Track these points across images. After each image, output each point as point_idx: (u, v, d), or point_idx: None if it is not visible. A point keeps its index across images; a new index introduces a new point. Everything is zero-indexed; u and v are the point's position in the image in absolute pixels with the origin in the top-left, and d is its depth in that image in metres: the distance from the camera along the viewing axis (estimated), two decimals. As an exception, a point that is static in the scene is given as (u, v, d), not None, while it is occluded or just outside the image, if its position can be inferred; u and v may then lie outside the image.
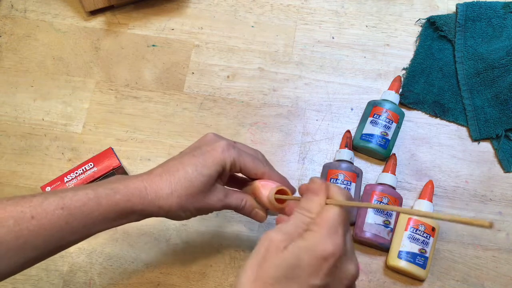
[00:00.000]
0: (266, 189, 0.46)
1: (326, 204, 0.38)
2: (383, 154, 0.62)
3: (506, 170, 0.64)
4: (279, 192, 0.45)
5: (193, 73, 0.69)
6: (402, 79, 0.68)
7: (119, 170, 0.58)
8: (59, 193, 0.40)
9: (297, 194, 0.46)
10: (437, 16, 0.71)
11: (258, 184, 0.47)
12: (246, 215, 0.48)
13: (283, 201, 0.45)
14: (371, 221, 0.58)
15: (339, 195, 0.38)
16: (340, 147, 0.64)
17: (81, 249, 0.60)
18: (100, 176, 0.56)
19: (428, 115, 0.67)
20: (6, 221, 0.37)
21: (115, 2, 0.70)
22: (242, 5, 0.73)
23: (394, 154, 0.63)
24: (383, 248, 0.59)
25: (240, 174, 0.48)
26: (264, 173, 0.47)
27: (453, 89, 0.68)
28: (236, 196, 0.47)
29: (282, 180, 0.48)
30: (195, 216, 0.45)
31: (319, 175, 0.63)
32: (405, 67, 0.69)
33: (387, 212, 0.59)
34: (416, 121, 0.67)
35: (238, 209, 0.47)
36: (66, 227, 0.39)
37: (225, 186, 0.47)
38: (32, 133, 0.65)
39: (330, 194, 0.38)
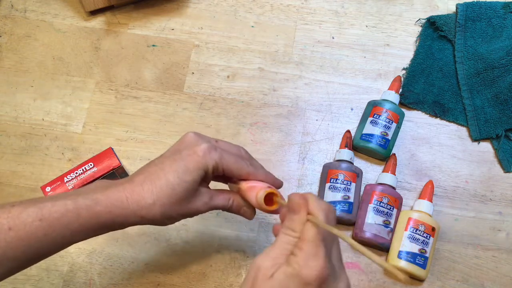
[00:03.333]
0: (253, 191, 0.44)
1: (307, 220, 0.36)
2: (383, 154, 0.62)
3: (506, 170, 0.64)
4: (267, 196, 0.43)
5: (193, 73, 0.69)
6: (402, 79, 0.68)
7: (119, 170, 0.58)
8: (38, 203, 0.39)
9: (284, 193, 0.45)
10: (437, 16, 0.71)
11: (245, 186, 0.45)
12: (234, 213, 0.47)
13: (273, 203, 0.44)
14: (371, 221, 0.58)
15: (317, 209, 0.35)
16: (340, 147, 0.64)
17: (81, 249, 0.60)
18: (100, 176, 0.56)
19: (428, 115, 0.67)
20: None
21: (115, 2, 0.70)
22: (242, 5, 0.73)
23: (394, 154, 0.63)
24: (383, 248, 0.59)
25: None
26: (248, 173, 0.45)
27: (453, 89, 0.68)
28: (223, 197, 0.46)
29: (268, 177, 0.46)
30: (179, 220, 0.44)
31: (319, 175, 0.63)
32: (405, 67, 0.69)
33: (387, 212, 0.59)
34: (416, 121, 0.67)
35: (226, 209, 0.46)
36: (45, 239, 0.38)
37: (210, 188, 0.46)
38: (32, 133, 0.65)
39: (310, 209, 0.36)
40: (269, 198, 0.44)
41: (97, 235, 0.41)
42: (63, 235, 0.39)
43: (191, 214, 0.44)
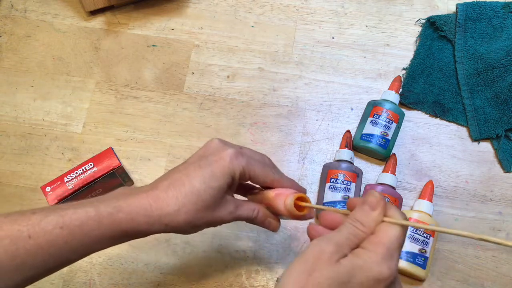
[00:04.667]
0: (280, 198, 0.43)
1: (383, 221, 0.35)
2: (383, 154, 0.62)
3: (506, 170, 0.64)
4: (298, 199, 0.43)
5: (193, 73, 0.69)
6: (402, 79, 0.68)
7: (119, 170, 0.58)
8: (59, 211, 0.38)
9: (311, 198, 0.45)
10: (437, 16, 0.71)
11: (271, 194, 0.44)
12: (258, 225, 0.46)
13: (303, 209, 0.43)
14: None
15: (399, 215, 0.35)
16: (340, 147, 0.64)
17: (81, 249, 0.60)
18: (100, 176, 0.56)
19: (428, 115, 0.67)
20: (2, 241, 0.35)
21: (115, 2, 0.70)
22: (242, 5, 0.73)
23: (394, 154, 0.63)
24: (383, 248, 0.59)
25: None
26: (274, 180, 0.44)
27: (453, 89, 0.68)
28: (247, 207, 0.44)
29: (293, 184, 0.46)
30: (203, 229, 0.42)
31: (319, 175, 0.63)
32: (405, 67, 0.69)
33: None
34: (416, 121, 0.67)
35: (250, 220, 0.45)
36: (65, 246, 0.37)
37: (234, 197, 0.45)
38: (32, 133, 0.65)
39: (389, 212, 0.36)
40: (298, 204, 0.43)
41: (119, 243, 0.40)
42: (84, 243, 0.38)
43: (215, 223, 0.42)
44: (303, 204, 0.43)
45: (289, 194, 0.43)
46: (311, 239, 0.38)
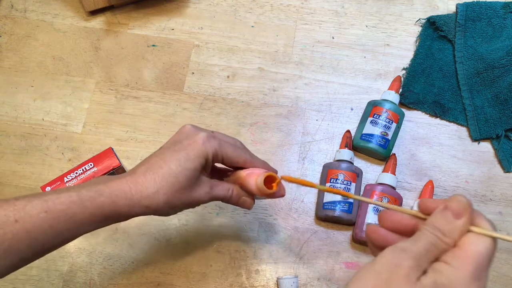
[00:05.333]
0: (251, 177, 0.46)
1: (470, 231, 0.30)
2: (383, 154, 0.62)
3: (506, 170, 0.64)
4: (267, 179, 0.45)
5: (193, 73, 0.69)
6: (402, 79, 0.68)
7: (119, 170, 0.58)
8: (43, 196, 0.39)
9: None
10: (437, 16, 0.71)
11: (243, 173, 0.47)
12: (233, 204, 0.48)
13: (272, 186, 0.46)
14: (371, 221, 0.58)
15: (488, 225, 0.30)
16: (340, 147, 0.64)
17: (81, 249, 0.60)
18: (100, 176, 0.56)
19: (428, 115, 0.67)
20: None
21: (115, 2, 0.70)
22: (242, 5, 0.73)
23: (394, 154, 0.63)
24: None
25: (219, 165, 0.48)
26: (246, 161, 0.47)
27: (453, 89, 0.68)
28: (222, 187, 0.46)
29: (264, 165, 0.48)
30: (182, 210, 0.45)
31: (319, 175, 0.63)
32: (405, 67, 0.69)
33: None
34: (416, 121, 0.67)
35: (226, 199, 0.47)
36: (50, 231, 0.38)
37: (210, 178, 0.47)
38: (32, 133, 0.65)
39: (477, 221, 0.30)
40: (269, 182, 0.46)
41: (103, 226, 0.42)
42: (69, 227, 0.39)
43: (193, 203, 0.45)
44: (277, 180, 0.46)
45: (260, 173, 0.45)
46: (372, 243, 0.35)
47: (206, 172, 0.46)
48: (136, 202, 0.41)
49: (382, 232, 0.34)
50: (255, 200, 0.50)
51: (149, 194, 0.41)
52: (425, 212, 0.33)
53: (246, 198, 0.48)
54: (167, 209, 0.43)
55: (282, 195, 0.48)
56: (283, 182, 0.46)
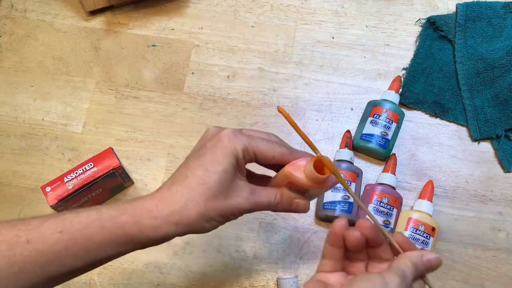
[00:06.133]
0: (299, 169, 0.39)
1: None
2: (383, 154, 0.62)
3: (506, 170, 0.64)
4: (316, 163, 0.38)
5: (193, 73, 0.69)
6: (402, 79, 0.68)
7: (119, 170, 0.58)
8: (60, 215, 0.35)
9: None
10: (437, 16, 0.71)
11: (287, 169, 0.39)
12: (285, 211, 0.42)
13: (324, 172, 0.38)
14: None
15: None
16: (340, 147, 0.64)
17: (81, 249, 0.60)
18: (100, 176, 0.56)
19: (428, 115, 0.67)
20: None
21: (115, 2, 0.70)
22: (242, 5, 0.73)
23: (394, 154, 0.63)
24: (383, 248, 0.59)
25: (258, 171, 0.43)
26: (283, 153, 0.40)
27: (453, 89, 0.68)
28: (267, 192, 0.40)
29: (307, 154, 0.41)
30: (223, 223, 0.39)
31: (319, 175, 0.63)
32: (405, 67, 0.69)
33: (387, 212, 0.59)
34: (416, 121, 0.67)
35: (273, 206, 0.40)
36: (66, 253, 0.34)
37: (249, 183, 0.40)
38: (32, 133, 0.65)
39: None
40: (319, 166, 0.38)
41: (127, 251, 0.37)
42: (87, 249, 0.35)
43: (232, 213, 0.38)
44: (326, 164, 0.38)
45: (307, 161, 0.39)
46: (336, 238, 0.36)
47: (241, 175, 0.40)
48: (163, 220, 0.36)
49: (357, 235, 0.35)
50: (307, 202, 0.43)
51: (177, 209, 0.36)
52: (402, 247, 0.37)
53: (298, 200, 0.42)
54: (202, 222, 0.37)
55: (337, 181, 0.40)
56: None
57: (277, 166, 0.41)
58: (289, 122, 0.39)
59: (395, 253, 0.37)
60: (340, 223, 0.36)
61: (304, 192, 0.41)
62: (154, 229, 0.36)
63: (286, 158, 0.40)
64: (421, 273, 0.35)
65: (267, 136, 0.41)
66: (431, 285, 0.37)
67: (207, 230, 0.38)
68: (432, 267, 0.36)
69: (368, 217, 0.37)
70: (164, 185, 0.38)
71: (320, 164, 0.38)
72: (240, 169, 0.39)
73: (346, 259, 0.38)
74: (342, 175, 0.60)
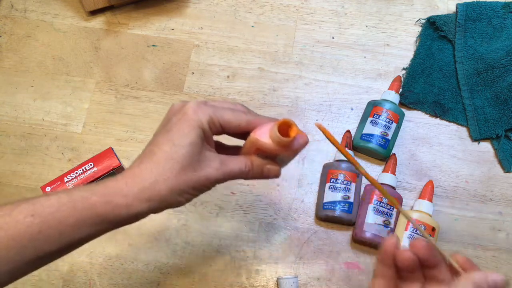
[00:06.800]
0: (264, 134, 0.39)
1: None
2: (383, 154, 0.62)
3: (506, 170, 0.64)
4: (282, 126, 0.38)
5: (193, 73, 0.69)
6: (402, 79, 0.68)
7: (119, 170, 0.58)
8: (32, 200, 0.35)
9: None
10: (437, 16, 0.71)
11: (253, 135, 0.39)
12: (257, 178, 0.41)
13: (288, 134, 0.38)
14: (371, 221, 0.58)
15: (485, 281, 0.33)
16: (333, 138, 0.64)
17: (81, 249, 0.59)
18: (100, 176, 0.56)
19: (428, 115, 0.67)
20: None
21: (115, 2, 0.70)
22: (242, 5, 0.73)
23: (394, 154, 0.63)
24: (383, 248, 0.59)
25: (227, 142, 0.43)
26: (249, 120, 0.39)
27: (453, 89, 0.68)
28: (237, 160, 0.40)
29: (273, 120, 0.41)
30: (197, 195, 0.39)
31: (319, 175, 0.63)
32: (405, 67, 0.69)
33: (387, 212, 0.59)
34: (416, 121, 0.67)
35: (245, 174, 0.40)
36: (39, 237, 0.34)
37: (218, 153, 0.40)
38: (32, 133, 0.65)
39: (477, 278, 0.34)
40: (285, 131, 0.38)
41: (102, 232, 0.37)
42: (60, 232, 0.35)
43: (204, 184, 0.38)
44: (293, 125, 0.38)
45: (272, 125, 0.38)
46: (388, 258, 0.35)
47: (209, 146, 0.39)
48: (134, 198, 0.36)
49: (409, 255, 0.34)
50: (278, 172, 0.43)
51: (148, 185, 0.36)
52: (462, 268, 0.35)
53: (269, 166, 0.41)
54: (174, 196, 0.37)
55: (305, 142, 0.40)
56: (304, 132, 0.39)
57: (247, 135, 0.41)
58: (329, 139, 0.38)
59: (456, 274, 0.35)
60: (390, 242, 0.35)
61: (274, 157, 0.41)
62: (126, 207, 0.36)
63: (252, 126, 0.40)
64: None
65: (233, 106, 0.41)
66: None
67: (181, 203, 0.38)
68: None
69: (423, 236, 0.35)
70: (134, 163, 0.38)
71: (285, 127, 0.38)
72: (208, 140, 0.39)
73: (400, 279, 0.36)
74: (341, 175, 0.60)
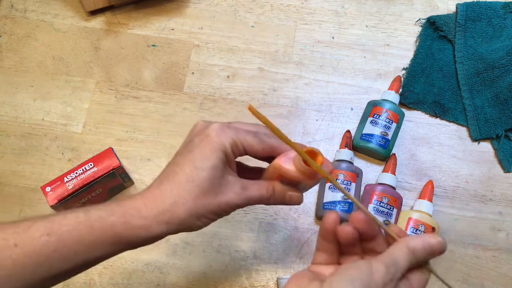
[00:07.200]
0: (288, 162, 0.38)
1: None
2: (383, 154, 0.62)
3: (506, 170, 0.64)
4: (307, 154, 0.37)
5: (193, 73, 0.69)
6: (402, 79, 0.68)
7: (119, 170, 0.58)
8: (49, 217, 0.35)
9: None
10: (437, 16, 0.71)
11: (277, 162, 0.38)
12: (278, 204, 0.41)
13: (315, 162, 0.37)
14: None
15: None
16: (340, 147, 0.64)
17: (81, 249, 0.60)
18: (100, 176, 0.56)
19: (428, 115, 0.67)
20: None
21: (115, 2, 0.70)
22: (242, 5, 0.73)
23: (394, 154, 0.63)
24: (383, 248, 0.59)
25: (250, 164, 0.42)
26: (272, 145, 0.39)
27: (453, 89, 0.68)
28: (259, 186, 0.39)
29: (296, 145, 0.39)
30: (215, 220, 0.38)
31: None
32: (405, 67, 0.69)
33: (387, 212, 0.59)
34: (416, 121, 0.67)
35: (266, 199, 0.40)
36: (55, 255, 0.34)
37: (240, 178, 0.39)
38: (32, 133, 0.65)
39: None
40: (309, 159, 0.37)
41: (118, 252, 0.37)
42: (76, 251, 0.35)
43: (223, 209, 0.38)
44: (317, 156, 0.37)
45: (296, 153, 0.37)
46: (327, 232, 0.35)
47: (231, 170, 0.39)
48: (153, 220, 0.35)
49: (349, 230, 0.34)
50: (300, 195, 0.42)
51: (167, 207, 0.35)
52: (399, 236, 0.35)
53: (291, 192, 0.41)
54: (192, 220, 0.37)
55: (330, 171, 0.39)
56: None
57: (270, 157, 0.40)
58: (259, 118, 0.36)
59: (392, 243, 0.36)
60: (331, 218, 0.35)
61: (296, 184, 0.41)
62: (144, 229, 0.36)
63: (276, 150, 0.39)
64: (422, 260, 0.33)
65: (255, 128, 0.40)
66: (436, 273, 0.34)
67: (199, 227, 0.38)
68: (434, 252, 0.33)
69: (360, 209, 0.35)
70: (154, 183, 0.38)
71: (310, 155, 0.37)
72: (229, 163, 0.38)
73: (341, 252, 0.37)
74: (341, 175, 0.60)
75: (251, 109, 0.35)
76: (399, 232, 0.35)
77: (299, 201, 0.42)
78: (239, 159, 0.40)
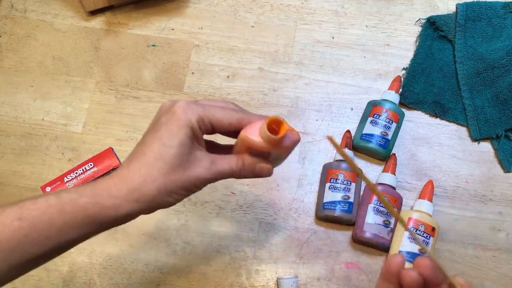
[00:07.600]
0: (254, 133, 0.38)
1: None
2: (383, 154, 0.62)
3: (506, 170, 0.64)
4: (272, 123, 0.37)
5: (193, 73, 0.69)
6: (402, 79, 0.68)
7: (119, 170, 0.58)
8: (19, 203, 0.35)
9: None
10: (437, 16, 0.71)
11: (243, 133, 0.39)
12: (249, 177, 0.41)
13: (278, 132, 0.38)
14: (371, 221, 0.58)
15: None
16: (340, 147, 0.64)
17: (81, 249, 0.60)
18: (100, 176, 0.56)
19: (428, 115, 0.67)
20: None
21: (115, 2, 0.70)
22: (242, 5, 0.73)
23: (394, 154, 0.63)
24: (383, 248, 0.59)
25: (218, 141, 0.43)
26: (240, 118, 0.39)
27: (453, 89, 0.68)
28: (228, 160, 0.39)
29: (263, 117, 0.40)
30: (187, 196, 0.39)
31: (319, 175, 0.63)
32: (405, 67, 0.69)
33: (387, 212, 0.59)
34: (416, 121, 0.67)
35: (236, 173, 0.40)
36: (26, 240, 0.34)
37: (209, 153, 0.39)
38: (32, 133, 0.65)
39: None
40: (274, 127, 0.38)
41: (91, 234, 0.37)
42: (47, 235, 0.35)
43: (194, 184, 0.38)
44: (283, 123, 0.37)
45: (261, 123, 0.38)
46: (392, 276, 0.34)
47: (200, 146, 0.39)
48: (123, 199, 0.36)
49: (414, 276, 0.33)
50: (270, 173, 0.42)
51: (136, 186, 0.36)
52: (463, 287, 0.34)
53: (262, 164, 0.41)
54: (163, 197, 0.37)
55: (297, 140, 0.39)
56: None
57: (239, 133, 0.40)
58: (340, 154, 0.37)
59: None
60: (396, 261, 0.34)
61: (266, 156, 0.41)
62: (114, 208, 0.36)
63: (243, 124, 0.39)
64: None
65: (223, 104, 0.40)
66: None
67: (170, 204, 0.38)
68: None
69: (427, 255, 0.34)
70: (123, 164, 0.38)
71: (275, 125, 0.37)
72: (197, 140, 0.39)
73: None
74: (341, 175, 0.60)
75: (330, 139, 0.34)
76: (464, 284, 0.35)
77: (269, 173, 0.42)
78: (210, 137, 0.40)
